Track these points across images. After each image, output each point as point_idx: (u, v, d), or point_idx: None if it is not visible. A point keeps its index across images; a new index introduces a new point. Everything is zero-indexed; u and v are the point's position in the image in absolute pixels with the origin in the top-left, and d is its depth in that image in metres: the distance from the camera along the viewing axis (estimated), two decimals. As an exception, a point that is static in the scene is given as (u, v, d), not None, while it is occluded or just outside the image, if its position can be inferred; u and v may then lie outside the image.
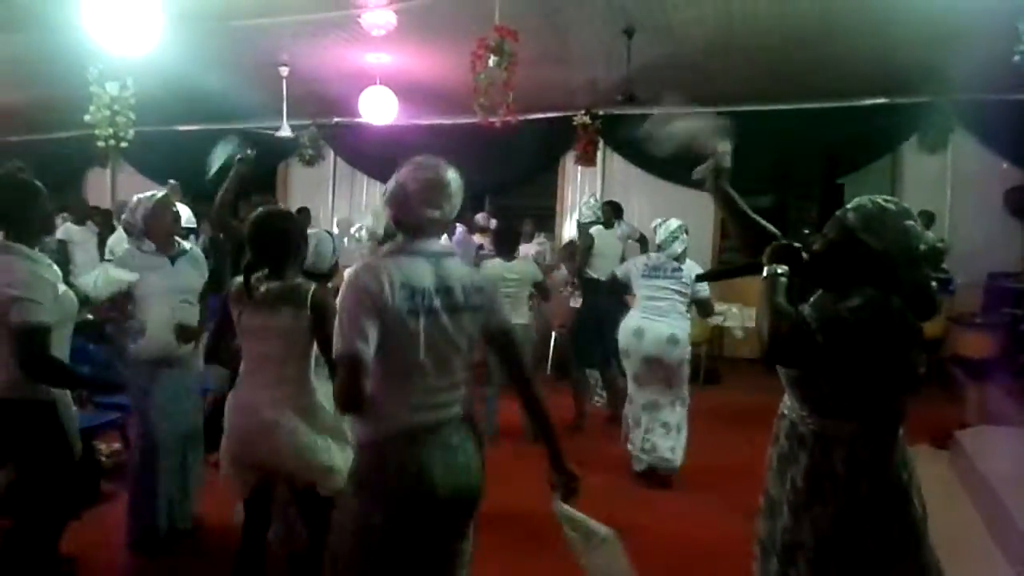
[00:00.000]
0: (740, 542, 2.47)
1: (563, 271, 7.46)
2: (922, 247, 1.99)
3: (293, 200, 10.20)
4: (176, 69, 6.57)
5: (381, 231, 4.87)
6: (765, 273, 2.05)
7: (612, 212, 7.04)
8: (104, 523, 3.81)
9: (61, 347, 2.74)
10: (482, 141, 6.78)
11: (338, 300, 2.05)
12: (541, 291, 5.77)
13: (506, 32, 5.12)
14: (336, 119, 9.99)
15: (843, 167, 7.99)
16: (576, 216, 7.76)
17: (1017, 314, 6.59)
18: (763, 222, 2.36)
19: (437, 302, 2.09)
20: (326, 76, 7.49)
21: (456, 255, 2.29)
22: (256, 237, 2.79)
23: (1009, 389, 5.87)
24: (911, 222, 2.00)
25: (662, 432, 4.83)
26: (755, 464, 2.47)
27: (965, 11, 5.28)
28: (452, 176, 2.18)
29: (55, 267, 2.77)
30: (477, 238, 8.33)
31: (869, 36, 6.05)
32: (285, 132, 7.78)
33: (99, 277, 3.31)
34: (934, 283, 2.11)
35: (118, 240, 4.88)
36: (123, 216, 3.74)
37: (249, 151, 4.20)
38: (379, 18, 5.74)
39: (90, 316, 3.89)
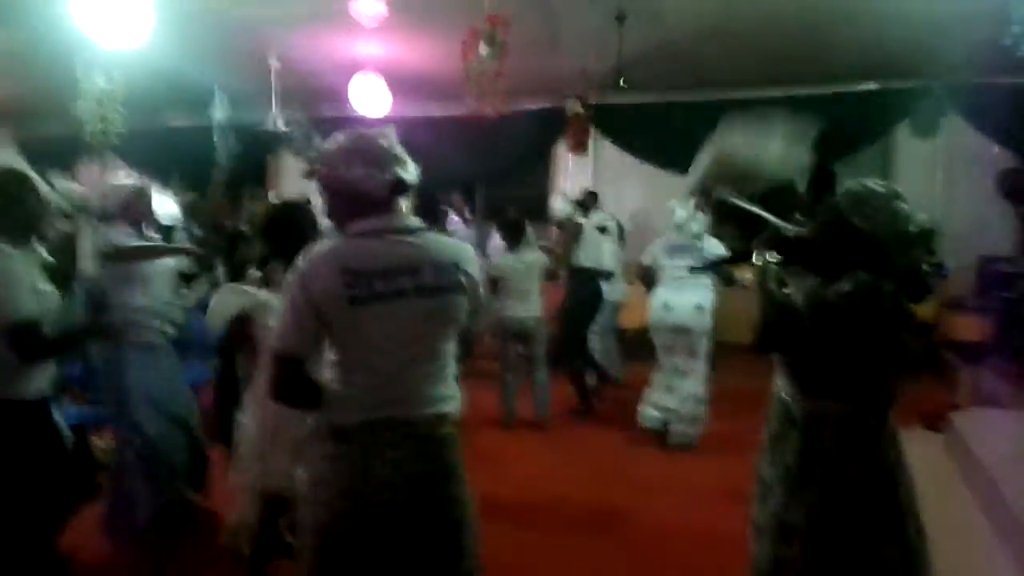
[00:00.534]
0: (738, 524, 2.49)
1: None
2: (913, 229, 2.00)
3: (285, 192, 10.15)
4: (166, 62, 6.52)
5: None
6: (756, 261, 2.06)
7: (592, 201, 7.09)
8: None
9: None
10: (474, 131, 6.76)
11: None
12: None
13: (497, 20, 5.10)
14: (327, 111, 9.93)
15: (835, 152, 7.98)
16: (554, 211, 7.70)
17: (1010, 297, 6.60)
18: (756, 210, 2.34)
19: (388, 286, 1.86)
20: (317, 67, 7.45)
21: (429, 231, 2.03)
22: (272, 228, 2.80)
23: (1002, 372, 5.90)
24: (901, 203, 2.01)
25: (689, 399, 5.24)
26: (748, 447, 2.48)
27: (956, -6, 5.28)
28: (389, 139, 1.98)
29: (35, 265, 2.72)
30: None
31: (860, 21, 6.04)
32: (276, 124, 7.73)
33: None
34: (928, 267, 2.12)
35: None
36: (98, 203, 3.74)
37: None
38: (369, 8, 5.69)
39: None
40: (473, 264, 2.03)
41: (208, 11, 5.81)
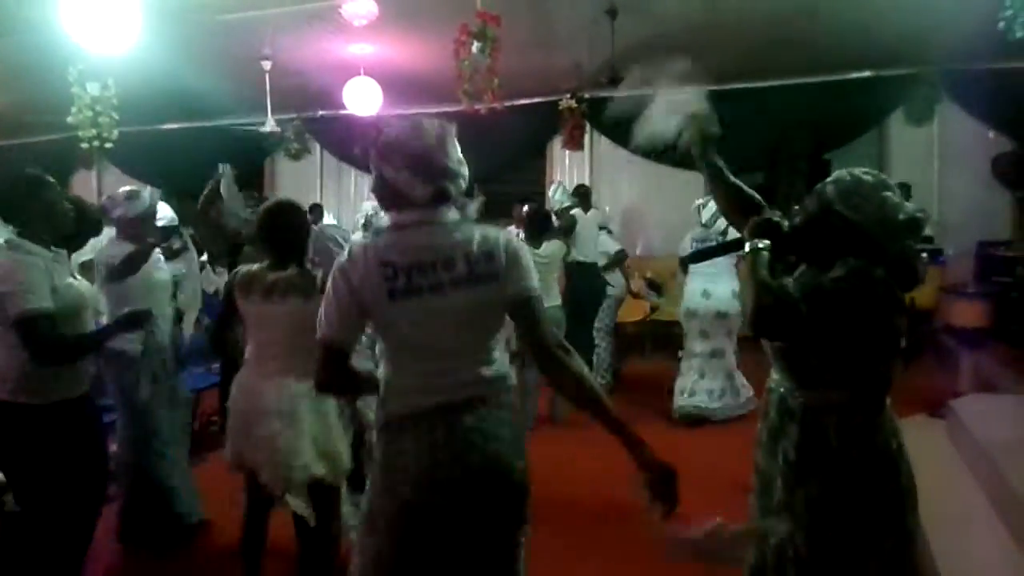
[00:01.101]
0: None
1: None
2: (902, 217, 2.00)
3: (280, 195, 10.15)
4: (158, 67, 6.52)
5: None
6: (747, 248, 2.07)
7: (587, 196, 7.12)
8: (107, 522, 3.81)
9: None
10: (468, 128, 6.62)
11: None
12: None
13: (489, 17, 5.10)
14: (321, 112, 9.94)
15: (830, 142, 7.99)
16: (552, 203, 7.71)
17: (1008, 282, 6.62)
18: (749, 190, 2.34)
19: (427, 279, 1.89)
20: (310, 69, 7.45)
21: (468, 222, 2.01)
22: (268, 227, 2.85)
23: (1002, 357, 5.91)
24: (888, 193, 2.02)
25: (719, 377, 5.76)
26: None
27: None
28: (445, 143, 1.96)
29: (55, 260, 2.73)
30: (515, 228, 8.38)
31: (853, 9, 6.05)
32: (270, 127, 7.73)
33: None
34: (924, 254, 2.12)
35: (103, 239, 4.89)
36: (113, 209, 3.74)
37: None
38: (361, 8, 5.69)
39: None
40: (513, 249, 1.99)
41: (200, 14, 5.80)
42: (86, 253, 4.00)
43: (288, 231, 2.85)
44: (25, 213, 2.71)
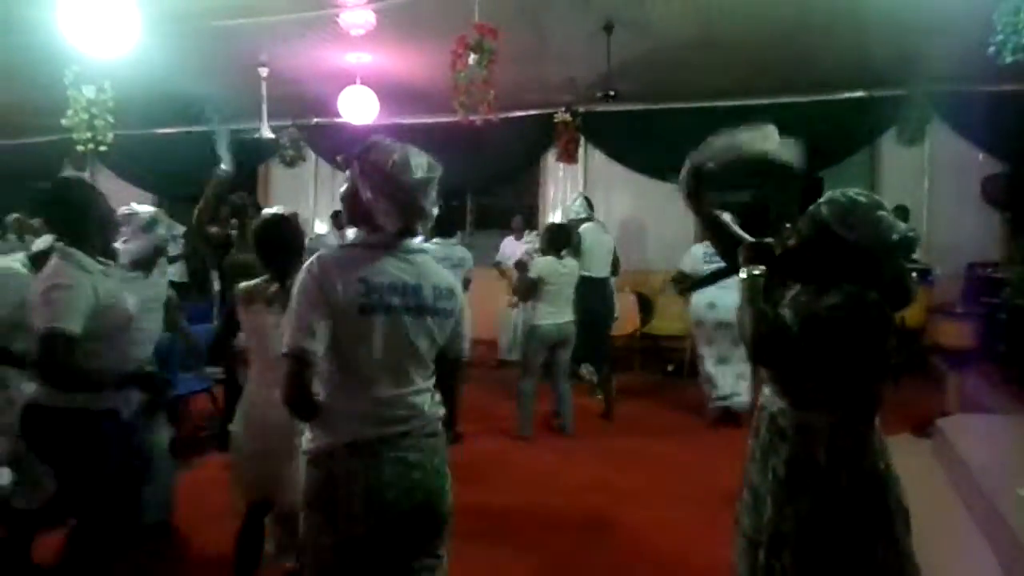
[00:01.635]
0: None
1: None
2: (895, 237, 2.02)
3: (274, 202, 10.14)
4: (155, 71, 6.52)
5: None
6: (743, 275, 2.09)
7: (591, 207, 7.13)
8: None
9: (109, 355, 2.64)
10: (463, 139, 6.77)
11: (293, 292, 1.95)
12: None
13: (486, 30, 5.12)
14: (316, 119, 9.94)
15: (822, 161, 8.03)
16: (561, 214, 7.77)
17: (996, 303, 6.66)
18: (738, 232, 2.39)
19: (397, 300, 1.94)
20: (306, 76, 7.45)
21: (429, 253, 2.13)
22: (265, 242, 2.88)
23: (989, 377, 5.94)
24: (883, 213, 2.04)
25: (735, 378, 6.04)
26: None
27: (941, 3, 5.34)
28: (436, 170, 2.03)
29: (104, 273, 2.69)
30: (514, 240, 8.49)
31: (847, 29, 6.10)
32: (265, 133, 7.73)
33: None
34: (913, 273, 2.14)
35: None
36: (130, 235, 3.72)
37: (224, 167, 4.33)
38: (358, 17, 5.72)
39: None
40: (460, 292, 2.16)
41: (197, 21, 5.80)
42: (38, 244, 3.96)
43: (283, 244, 2.88)
44: (80, 223, 2.66)
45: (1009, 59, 4.33)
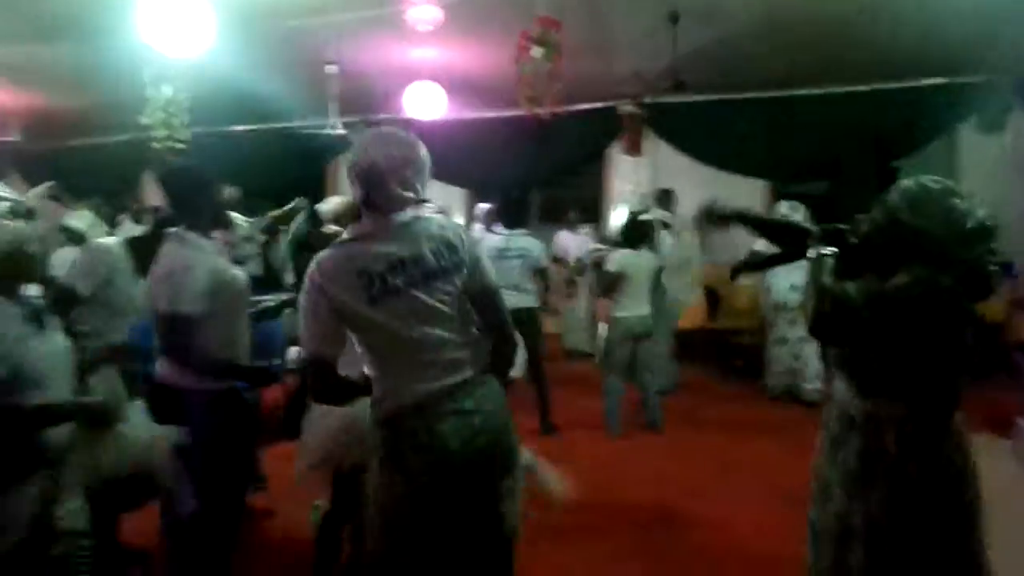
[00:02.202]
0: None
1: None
2: (970, 224, 1.96)
3: (343, 196, 10.31)
4: (227, 71, 6.70)
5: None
6: (812, 254, 2.07)
7: (667, 199, 7.24)
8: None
9: (228, 336, 2.75)
10: (528, 133, 6.79)
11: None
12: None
13: (550, 22, 5.12)
14: (384, 116, 10.06)
15: (898, 151, 7.78)
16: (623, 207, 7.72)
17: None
18: (785, 219, 2.41)
19: (401, 279, 1.99)
20: (374, 73, 7.56)
21: (428, 216, 2.13)
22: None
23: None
24: (956, 200, 1.98)
25: (808, 360, 6.27)
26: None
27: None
28: (423, 151, 2.09)
29: (221, 256, 2.82)
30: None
31: (921, 12, 5.89)
32: (334, 130, 7.88)
33: None
34: (992, 265, 2.08)
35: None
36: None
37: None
38: (425, 13, 5.77)
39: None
40: (472, 240, 2.16)
41: (268, 21, 5.95)
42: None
43: None
44: (197, 208, 2.78)
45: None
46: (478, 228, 7.71)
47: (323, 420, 2.84)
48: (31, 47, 6.72)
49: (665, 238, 6.75)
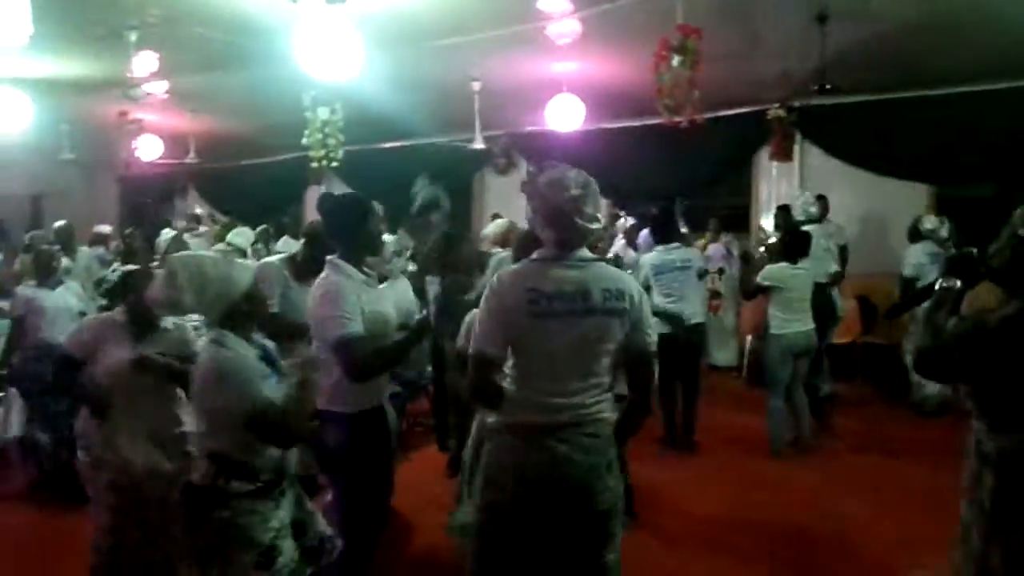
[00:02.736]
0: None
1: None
2: None
3: (488, 209, 10.57)
4: (378, 91, 7.03)
5: None
6: (937, 286, 2.03)
7: (823, 208, 7.02)
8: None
9: None
10: (670, 141, 6.72)
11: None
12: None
13: (689, 30, 5.05)
14: (528, 128, 10.22)
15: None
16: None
17: None
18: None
19: (564, 305, 2.15)
20: (515, 87, 7.70)
21: (604, 264, 2.33)
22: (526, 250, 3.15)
23: None
24: None
25: None
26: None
27: None
28: (594, 183, 2.23)
29: (370, 282, 2.94)
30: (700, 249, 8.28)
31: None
32: (478, 144, 8.10)
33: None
34: None
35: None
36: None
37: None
38: (564, 27, 5.84)
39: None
40: (642, 296, 2.31)
41: (415, 42, 6.21)
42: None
43: None
44: (353, 236, 2.93)
45: None
46: (620, 244, 7.69)
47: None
48: (204, 77, 7.33)
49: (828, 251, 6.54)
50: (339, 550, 2.63)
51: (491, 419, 2.30)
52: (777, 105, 8.43)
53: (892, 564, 3.75)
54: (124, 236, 7.61)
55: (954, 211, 7.19)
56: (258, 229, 9.13)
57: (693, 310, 5.59)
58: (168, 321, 3.27)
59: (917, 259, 6.43)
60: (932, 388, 6.22)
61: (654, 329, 2.35)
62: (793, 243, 5.64)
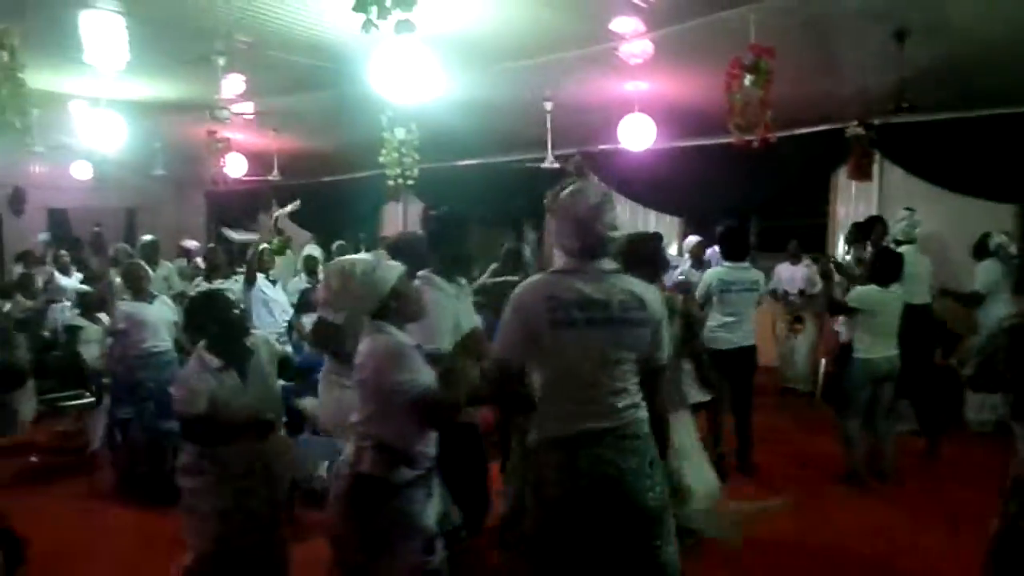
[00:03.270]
0: None
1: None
2: None
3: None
4: (452, 111, 7.19)
5: None
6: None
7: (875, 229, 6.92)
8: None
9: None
10: (743, 160, 6.64)
11: None
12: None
13: (761, 50, 5.03)
14: (601, 146, 10.24)
15: None
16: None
17: None
18: None
19: (582, 314, 2.18)
20: (588, 106, 7.76)
21: (626, 275, 2.35)
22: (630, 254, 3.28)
23: None
24: None
25: None
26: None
27: None
28: (611, 197, 2.31)
29: (457, 295, 3.07)
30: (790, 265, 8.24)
31: None
32: (549, 163, 8.18)
33: None
34: None
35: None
36: None
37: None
38: (637, 47, 5.88)
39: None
40: (659, 303, 2.33)
41: (490, 64, 6.34)
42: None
43: (649, 259, 3.50)
44: (452, 251, 3.08)
45: None
46: (688, 261, 7.67)
47: None
48: (288, 98, 7.64)
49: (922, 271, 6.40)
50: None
51: (530, 437, 2.33)
52: (855, 123, 8.25)
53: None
54: (208, 251, 7.97)
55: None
56: (335, 244, 9.41)
57: (747, 332, 5.53)
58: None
59: (991, 276, 6.27)
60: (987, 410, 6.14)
61: (669, 345, 2.40)
62: (884, 265, 5.44)
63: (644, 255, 3.44)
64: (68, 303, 7.91)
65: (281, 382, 3.54)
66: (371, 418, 2.48)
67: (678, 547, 2.33)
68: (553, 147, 8.06)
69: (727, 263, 5.75)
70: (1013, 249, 6.35)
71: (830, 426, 5.72)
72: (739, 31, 5.12)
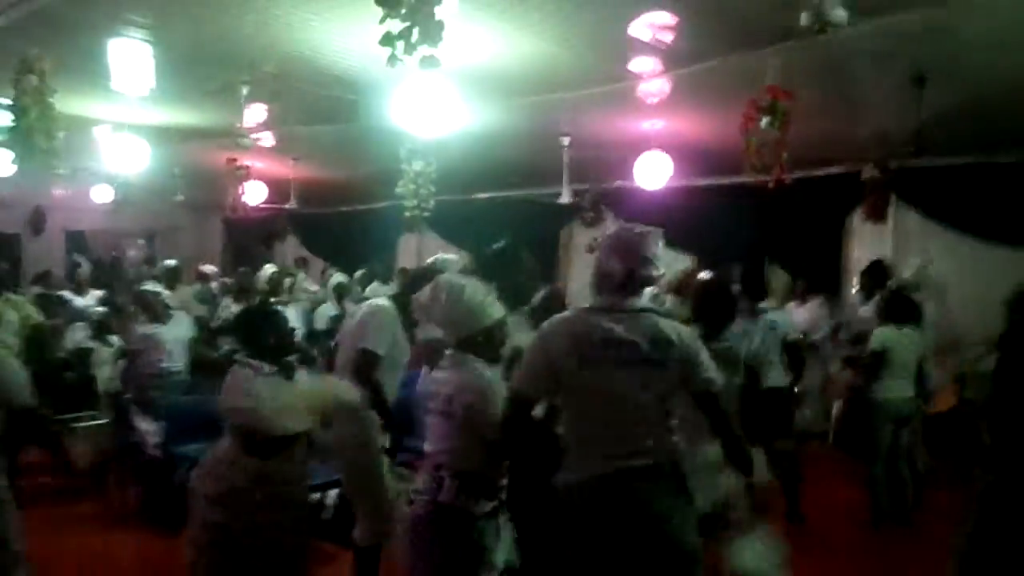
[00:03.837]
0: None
1: None
2: None
3: (576, 261, 10.63)
4: (470, 144, 7.26)
5: None
6: None
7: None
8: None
9: None
10: (759, 200, 6.65)
11: None
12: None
13: (779, 92, 5.06)
14: (618, 182, 10.26)
15: None
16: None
17: None
18: None
19: (610, 354, 2.17)
20: (604, 143, 7.80)
21: (656, 314, 2.30)
22: (705, 301, 3.39)
23: None
24: None
25: None
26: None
27: None
28: (644, 239, 2.28)
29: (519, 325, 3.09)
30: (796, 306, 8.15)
31: None
32: (565, 198, 8.22)
33: None
34: None
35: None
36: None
37: None
38: (654, 86, 5.93)
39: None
40: (692, 341, 2.29)
41: (508, 99, 6.40)
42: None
43: (724, 303, 3.55)
44: (507, 276, 3.14)
45: None
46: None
47: None
48: (308, 129, 7.73)
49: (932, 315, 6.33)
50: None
51: (558, 477, 2.28)
52: (871, 165, 8.25)
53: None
54: (239, 274, 8.06)
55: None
56: (358, 273, 9.48)
57: (775, 373, 5.48)
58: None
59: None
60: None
61: (713, 367, 2.31)
62: (895, 305, 5.49)
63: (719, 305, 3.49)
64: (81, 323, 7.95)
65: None
66: (455, 449, 2.48)
67: None
68: (569, 182, 8.09)
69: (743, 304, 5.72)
70: None
71: (847, 471, 5.62)
72: (757, 72, 5.16)
